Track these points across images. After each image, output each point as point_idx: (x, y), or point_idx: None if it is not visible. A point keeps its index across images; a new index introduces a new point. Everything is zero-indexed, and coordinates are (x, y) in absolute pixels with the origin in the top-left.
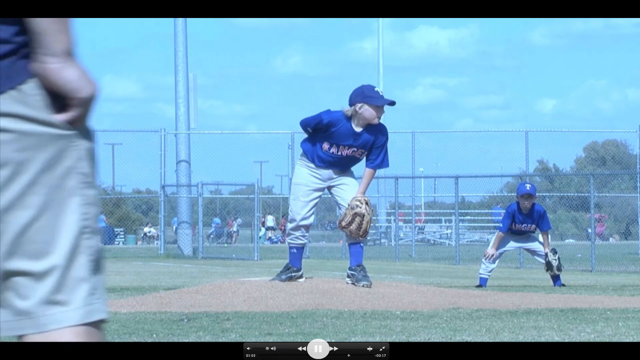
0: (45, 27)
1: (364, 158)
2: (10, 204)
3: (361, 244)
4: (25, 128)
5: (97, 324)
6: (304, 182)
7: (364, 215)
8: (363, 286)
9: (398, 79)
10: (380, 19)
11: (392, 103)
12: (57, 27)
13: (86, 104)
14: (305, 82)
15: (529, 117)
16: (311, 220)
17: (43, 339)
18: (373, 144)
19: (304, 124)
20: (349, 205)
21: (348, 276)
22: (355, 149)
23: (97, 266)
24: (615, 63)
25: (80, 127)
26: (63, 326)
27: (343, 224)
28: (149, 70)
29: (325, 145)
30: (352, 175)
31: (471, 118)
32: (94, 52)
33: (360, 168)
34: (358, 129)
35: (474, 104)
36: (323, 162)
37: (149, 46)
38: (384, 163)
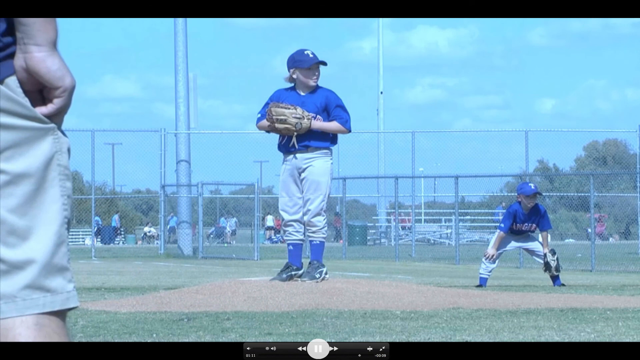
0: (32, 18)
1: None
2: None
3: (320, 240)
4: (9, 122)
5: (65, 312)
6: (283, 177)
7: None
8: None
9: (397, 79)
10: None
11: (322, 63)
12: (43, 18)
13: (67, 94)
14: None
15: (528, 117)
16: (300, 215)
17: (20, 323)
18: (328, 107)
19: (260, 114)
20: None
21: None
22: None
23: (69, 256)
24: (614, 63)
25: (60, 121)
26: (45, 311)
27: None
28: (148, 70)
29: None
30: (322, 161)
31: (470, 118)
32: (94, 52)
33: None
34: (302, 93)
35: (473, 103)
36: (285, 146)
37: (149, 46)
38: (347, 123)
